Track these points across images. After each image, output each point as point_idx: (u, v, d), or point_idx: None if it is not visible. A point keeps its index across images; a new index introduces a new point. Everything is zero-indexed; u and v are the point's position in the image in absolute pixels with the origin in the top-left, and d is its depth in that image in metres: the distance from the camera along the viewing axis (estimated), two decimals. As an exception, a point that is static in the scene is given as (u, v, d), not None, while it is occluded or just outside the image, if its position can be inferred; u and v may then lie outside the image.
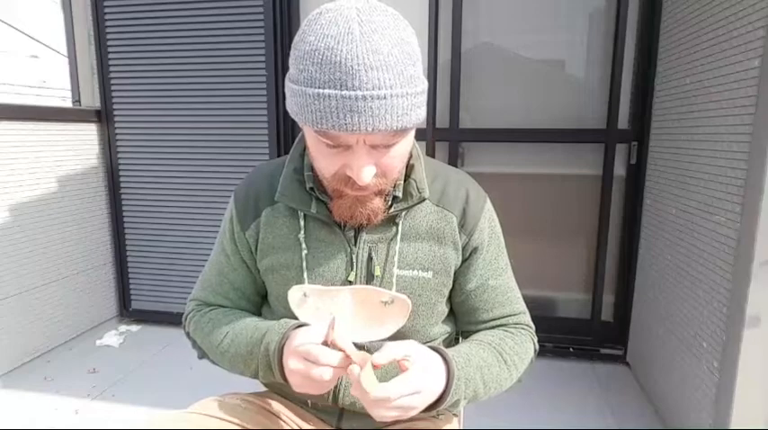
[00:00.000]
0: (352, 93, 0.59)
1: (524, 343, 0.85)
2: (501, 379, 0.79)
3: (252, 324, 0.82)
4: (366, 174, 0.66)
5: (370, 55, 0.59)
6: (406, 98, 0.62)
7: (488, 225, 0.85)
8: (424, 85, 0.66)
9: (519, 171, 2.35)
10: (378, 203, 0.74)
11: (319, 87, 0.60)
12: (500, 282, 0.86)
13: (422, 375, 0.66)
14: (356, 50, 0.59)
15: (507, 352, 0.81)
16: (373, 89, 0.59)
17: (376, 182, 0.70)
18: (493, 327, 0.86)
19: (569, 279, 2.39)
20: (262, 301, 0.93)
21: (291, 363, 0.69)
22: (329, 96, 0.60)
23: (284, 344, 0.73)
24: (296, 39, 0.65)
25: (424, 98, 0.66)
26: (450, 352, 0.74)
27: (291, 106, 0.66)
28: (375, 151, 0.67)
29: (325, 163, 0.70)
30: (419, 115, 0.65)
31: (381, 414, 0.65)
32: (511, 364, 0.81)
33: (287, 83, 0.67)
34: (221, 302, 0.89)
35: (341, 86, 0.59)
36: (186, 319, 0.90)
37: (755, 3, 1.28)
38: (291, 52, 0.66)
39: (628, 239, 2.26)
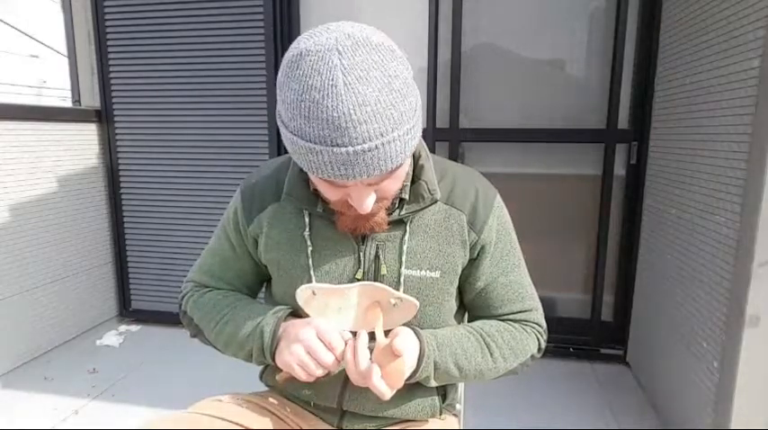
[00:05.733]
0: (343, 149, 0.59)
1: (524, 339, 0.85)
2: (482, 368, 0.81)
3: (254, 304, 0.87)
4: (367, 205, 0.69)
5: (357, 109, 0.58)
6: (399, 140, 0.62)
7: (497, 222, 0.85)
8: (416, 111, 0.65)
9: (519, 171, 2.35)
10: (381, 216, 0.76)
11: (310, 141, 0.60)
12: (510, 279, 0.86)
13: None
14: (342, 107, 0.57)
15: (499, 345, 0.82)
16: (363, 142, 0.59)
17: (378, 205, 0.72)
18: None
19: (569, 279, 2.39)
20: (260, 288, 0.96)
21: (303, 332, 0.74)
22: (320, 152, 0.60)
23: (288, 319, 0.79)
24: (280, 77, 0.63)
25: (417, 126, 0.66)
26: (426, 334, 0.79)
27: (287, 146, 0.66)
28: (373, 184, 0.68)
29: (326, 194, 0.71)
30: (413, 144, 0.65)
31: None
32: (498, 357, 0.82)
33: (279, 122, 0.66)
34: (222, 287, 0.91)
35: (331, 143, 0.59)
36: (184, 298, 0.92)
37: (755, 3, 1.28)
38: (278, 91, 0.64)
39: (628, 239, 2.26)
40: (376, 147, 0.60)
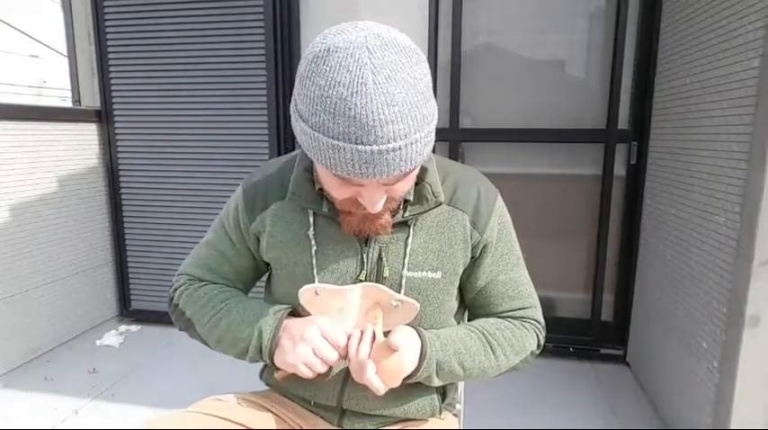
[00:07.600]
0: (368, 147, 0.59)
1: (524, 337, 0.86)
2: (484, 366, 0.82)
3: (250, 301, 0.85)
4: (379, 205, 0.69)
5: (385, 109, 0.58)
6: (420, 142, 0.62)
7: (499, 221, 0.85)
8: (434, 113, 0.66)
9: (519, 171, 2.35)
10: (387, 218, 0.76)
11: (333, 138, 0.60)
12: (510, 277, 0.87)
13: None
14: (371, 105, 0.58)
15: (500, 343, 0.83)
16: (389, 142, 0.59)
17: (386, 206, 0.72)
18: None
19: (569, 279, 2.39)
20: (254, 285, 0.96)
21: (308, 331, 0.74)
22: (344, 149, 0.60)
23: (288, 316, 0.79)
24: (302, 71, 0.63)
25: (434, 127, 0.66)
26: (430, 334, 0.79)
27: (303, 143, 0.65)
28: (387, 185, 0.68)
29: (335, 192, 0.71)
30: (431, 147, 0.66)
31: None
32: (500, 355, 0.83)
33: (295, 117, 0.66)
34: (217, 281, 0.90)
35: (356, 140, 0.59)
36: (176, 291, 0.91)
37: (755, 3, 1.29)
38: (298, 85, 0.64)
39: (628, 239, 2.26)
40: (399, 147, 0.60)
